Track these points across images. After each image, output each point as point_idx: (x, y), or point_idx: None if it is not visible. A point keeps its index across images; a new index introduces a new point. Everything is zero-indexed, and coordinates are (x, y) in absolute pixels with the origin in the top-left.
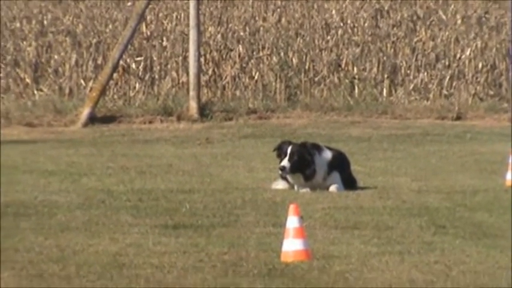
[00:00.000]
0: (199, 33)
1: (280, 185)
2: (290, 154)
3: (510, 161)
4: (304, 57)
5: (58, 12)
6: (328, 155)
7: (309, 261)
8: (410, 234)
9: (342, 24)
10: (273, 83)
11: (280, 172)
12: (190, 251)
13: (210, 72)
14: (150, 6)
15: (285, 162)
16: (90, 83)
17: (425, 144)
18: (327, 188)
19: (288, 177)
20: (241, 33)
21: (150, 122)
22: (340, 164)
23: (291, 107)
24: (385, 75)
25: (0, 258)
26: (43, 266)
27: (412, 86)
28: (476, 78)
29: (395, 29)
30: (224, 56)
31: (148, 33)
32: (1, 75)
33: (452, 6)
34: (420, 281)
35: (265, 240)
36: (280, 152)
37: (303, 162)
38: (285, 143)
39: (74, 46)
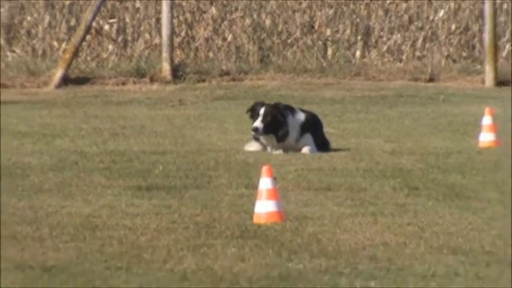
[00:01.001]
0: None
1: (253, 146)
2: (263, 115)
3: (483, 122)
4: (277, 19)
5: None
6: (301, 116)
7: (282, 222)
8: (383, 196)
9: None
10: (246, 45)
11: (253, 133)
12: (163, 213)
13: (183, 34)
14: None
15: (258, 123)
16: (63, 45)
17: (399, 106)
18: (300, 150)
19: (261, 138)
20: None
21: (123, 84)
22: (313, 126)
23: (264, 68)
24: (359, 37)
25: None
26: (16, 227)
27: (385, 47)
28: (450, 40)
29: None
30: (197, 18)
31: None
32: None
33: None
34: (393, 242)
35: (238, 202)
36: (253, 113)
37: (275, 123)
38: (258, 104)
39: (47, 8)
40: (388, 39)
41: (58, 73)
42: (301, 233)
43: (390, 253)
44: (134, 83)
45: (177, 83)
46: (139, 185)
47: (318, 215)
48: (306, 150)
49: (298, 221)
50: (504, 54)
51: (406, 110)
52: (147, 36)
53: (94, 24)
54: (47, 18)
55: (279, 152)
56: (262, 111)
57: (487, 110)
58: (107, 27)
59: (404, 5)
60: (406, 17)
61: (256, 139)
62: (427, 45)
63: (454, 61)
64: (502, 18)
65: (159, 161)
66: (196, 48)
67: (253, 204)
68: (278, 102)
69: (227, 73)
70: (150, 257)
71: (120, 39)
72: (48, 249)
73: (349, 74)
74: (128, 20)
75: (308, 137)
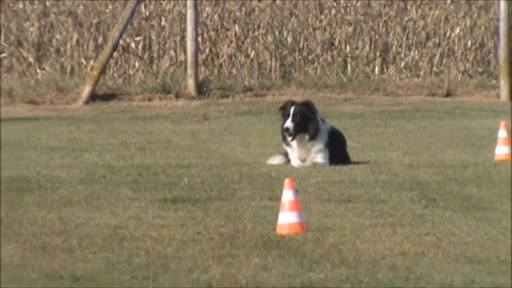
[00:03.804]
0: (197, 13)
1: (275, 160)
2: (293, 114)
3: (498, 136)
4: (298, 36)
5: None
6: (329, 126)
7: (304, 233)
8: (401, 207)
9: (335, 3)
10: (268, 62)
11: (284, 133)
12: (189, 224)
13: (207, 51)
14: None
15: (288, 123)
16: (91, 62)
17: (416, 120)
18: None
19: (292, 143)
20: (237, 13)
21: (149, 100)
22: (338, 138)
23: (285, 84)
24: (377, 54)
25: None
26: (46, 238)
27: (403, 63)
28: (466, 55)
29: (386, 8)
30: (221, 36)
31: (148, 14)
32: (5, 54)
33: None
34: (412, 252)
35: (261, 213)
36: (284, 112)
37: (306, 120)
38: (288, 103)
39: (75, 26)
40: (406, 55)
41: (86, 90)
42: (322, 243)
43: (409, 262)
44: (160, 99)
45: (202, 98)
46: (165, 198)
47: (339, 226)
48: (320, 159)
49: (319, 231)
50: None
51: (423, 124)
52: (172, 53)
53: (121, 42)
54: (75, 36)
55: (302, 164)
56: (292, 110)
57: (502, 123)
58: (133, 44)
59: (421, 22)
60: (423, 34)
61: (288, 144)
62: (444, 61)
63: (470, 76)
64: None
65: (185, 174)
66: (220, 65)
67: (276, 216)
68: (308, 100)
69: (250, 89)
70: (176, 267)
71: (146, 56)
72: (77, 260)
73: (368, 89)
74: (153, 37)
75: (327, 150)
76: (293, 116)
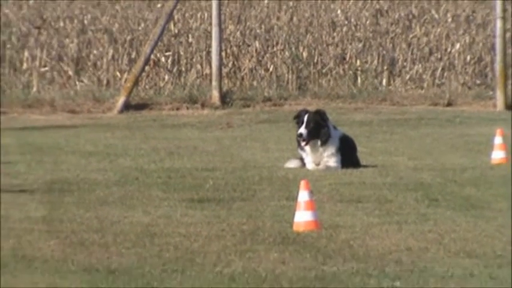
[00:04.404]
0: (221, 30)
1: (292, 164)
2: (306, 121)
3: (494, 142)
4: (313, 51)
5: (97, 13)
6: (341, 132)
7: (318, 230)
8: (406, 207)
9: (346, 22)
10: (286, 74)
11: (298, 138)
12: (213, 222)
13: (230, 65)
14: (178, 7)
15: (302, 130)
16: (125, 75)
17: (420, 128)
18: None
19: (306, 147)
20: (258, 31)
21: (178, 109)
22: (349, 144)
23: (301, 95)
24: (385, 67)
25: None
26: (84, 235)
27: (408, 76)
28: (465, 69)
29: (393, 26)
30: (242, 51)
31: (176, 31)
32: (47, 68)
33: (444, 5)
34: (416, 247)
35: (279, 212)
36: (298, 120)
37: (318, 127)
38: (302, 111)
39: (111, 42)
40: (411, 69)
41: (120, 100)
42: (334, 239)
43: (413, 257)
44: (187, 108)
45: (225, 108)
46: (192, 198)
47: (350, 224)
48: (332, 163)
49: (332, 229)
50: None
51: (426, 131)
52: (198, 67)
53: (152, 56)
54: (111, 51)
55: (316, 167)
56: (305, 118)
57: (498, 131)
58: (163, 59)
59: (425, 39)
60: (426, 50)
61: (302, 149)
62: (445, 74)
63: (469, 88)
64: (510, 51)
65: (210, 177)
66: (242, 78)
67: (293, 214)
68: (320, 108)
69: (269, 99)
70: (202, 261)
71: (174, 69)
72: (112, 254)
73: (376, 99)
74: (181, 52)
75: (339, 154)
76: (306, 123)
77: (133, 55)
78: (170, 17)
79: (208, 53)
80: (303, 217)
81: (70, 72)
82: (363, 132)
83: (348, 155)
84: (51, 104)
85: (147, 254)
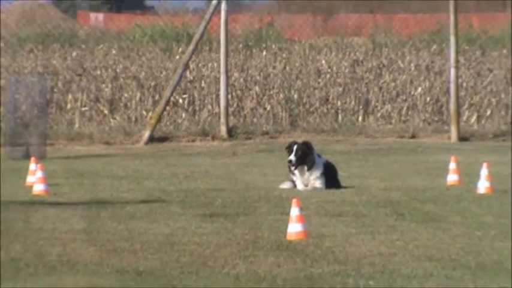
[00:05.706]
0: (227, 77)
1: (285, 185)
2: (296, 150)
3: (449, 167)
4: (302, 94)
5: (127, 63)
6: (324, 160)
7: (307, 239)
8: (378, 220)
9: (329, 70)
10: (280, 113)
11: (288, 164)
12: (222, 233)
13: (235, 105)
14: (192, 58)
15: (292, 157)
16: (150, 113)
17: (389, 156)
18: (313, 183)
19: (295, 171)
20: (257, 77)
21: (193, 141)
22: (331, 169)
23: (293, 129)
24: (360, 107)
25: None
26: (117, 243)
27: (379, 114)
28: (426, 108)
29: (367, 73)
30: (245, 94)
31: (191, 77)
32: (87, 108)
33: (408, 57)
34: (386, 253)
35: (275, 225)
36: (289, 150)
37: (305, 155)
38: (292, 143)
39: (138, 87)
40: (382, 108)
41: (146, 134)
42: (320, 246)
43: (384, 260)
44: (200, 140)
45: (231, 140)
46: (204, 213)
47: (332, 234)
48: (317, 184)
49: (318, 238)
50: (464, 118)
51: (395, 158)
52: (209, 107)
53: (172, 98)
54: (138, 94)
55: (305, 188)
56: (295, 147)
57: (452, 158)
58: (180, 100)
59: (393, 84)
60: (394, 92)
61: (292, 173)
62: (410, 112)
63: (429, 123)
64: (462, 93)
65: (219, 196)
66: (245, 115)
67: (286, 226)
68: (306, 140)
69: (267, 133)
70: (213, 264)
71: (190, 109)
72: (139, 259)
73: (354, 133)
74: (196, 95)
75: (323, 177)
76: (295, 152)
77: (156, 97)
78: (186, 66)
79: (217, 95)
80: (294, 228)
81: (105, 111)
82: (343, 159)
83: (331, 178)
84: (90, 137)
85: (168, 259)
